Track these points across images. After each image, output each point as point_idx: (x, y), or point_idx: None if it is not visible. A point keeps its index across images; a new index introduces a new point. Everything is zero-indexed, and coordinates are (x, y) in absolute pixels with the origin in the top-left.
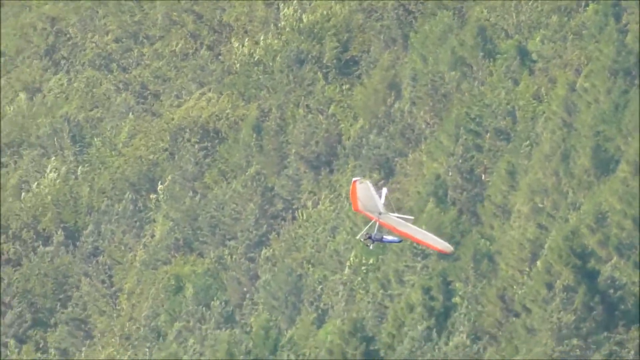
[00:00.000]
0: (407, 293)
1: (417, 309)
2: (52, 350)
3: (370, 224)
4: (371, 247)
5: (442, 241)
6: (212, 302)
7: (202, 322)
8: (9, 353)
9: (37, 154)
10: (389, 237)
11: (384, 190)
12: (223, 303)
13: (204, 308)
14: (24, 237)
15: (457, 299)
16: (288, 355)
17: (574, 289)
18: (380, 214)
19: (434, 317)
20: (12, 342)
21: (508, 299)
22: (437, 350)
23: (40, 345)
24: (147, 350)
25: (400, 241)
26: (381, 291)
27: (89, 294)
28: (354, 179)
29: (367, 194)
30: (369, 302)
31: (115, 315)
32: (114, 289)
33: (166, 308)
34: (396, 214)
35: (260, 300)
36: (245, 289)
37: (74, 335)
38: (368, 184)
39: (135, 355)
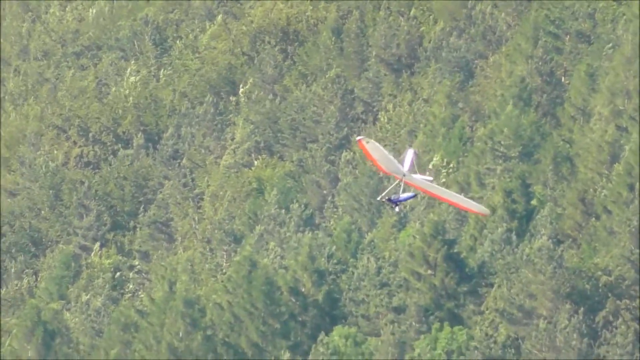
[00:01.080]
0: (488, 196)
1: (498, 212)
2: (134, 253)
3: (394, 184)
4: (397, 210)
5: (477, 204)
6: (292, 205)
7: (282, 226)
8: (91, 256)
9: (116, 56)
10: (404, 195)
11: (411, 152)
12: (303, 206)
13: (284, 211)
14: (103, 140)
15: (536, 202)
16: (368, 259)
17: None
18: (404, 175)
19: (515, 219)
20: (96, 245)
21: (588, 201)
22: (518, 253)
23: (121, 249)
24: (225, 253)
25: (415, 195)
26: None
27: (170, 197)
28: (357, 137)
29: (381, 154)
30: (449, 205)
31: (196, 218)
32: (195, 192)
33: (247, 211)
34: (420, 175)
35: (341, 204)
36: (325, 192)
37: (155, 239)
38: (375, 144)
39: (214, 257)
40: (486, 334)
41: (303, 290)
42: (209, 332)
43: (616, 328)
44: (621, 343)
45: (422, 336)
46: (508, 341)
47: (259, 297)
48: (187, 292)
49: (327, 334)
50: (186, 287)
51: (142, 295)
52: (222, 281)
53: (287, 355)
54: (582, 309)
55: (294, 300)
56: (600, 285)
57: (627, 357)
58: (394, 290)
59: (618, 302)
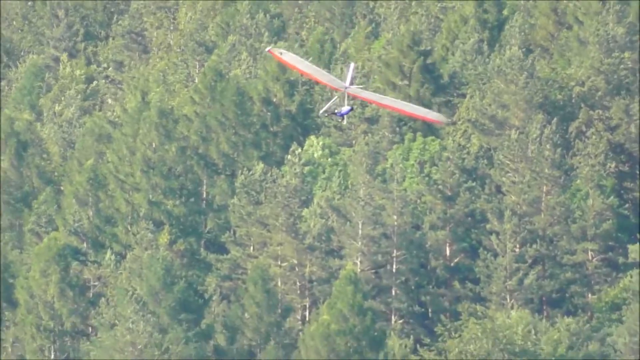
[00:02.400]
0: (461, 5)
1: (470, 22)
2: (106, 64)
3: (335, 97)
4: (344, 122)
5: (434, 112)
6: (258, 15)
7: (253, 36)
8: (61, 67)
9: None
10: (345, 109)
11: (352, 65)
12: (269, 16)
13: (256, 21)
14: None
15: (508, 12)
16: (342, 69)
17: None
18: (346, 87)
19: (486, 30)
20: (63, 56)
21: (560, 11)
22: (489, 63)
23: (93, 59)
24: (198, 63)
25: (352, 109)
26: (437, 4)
27: (145, 7)
28: (267, 49)
29: (309, 68)
30: (422, 15)
31: (171, 28)
32: (170, 2)
33: (219, 21)
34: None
35: (312, 14)
36: (300, 2)
37: (129, 49)
38: (291, 54)
39: (186, 68)
40: (459, 145)
41: (275, 100)
42: (182, 144)
43: (588, 138)
44: (593, 153)
45: (395, 146)
46: (480, 152)
47: (230, 107)
48: (161, 103)
49: (299, 145)
50: (160, 98)
51: (115, 106)
52: (191, 92)
53: (260, 165)
54: (554, 119)
55: (265, 110)
56: (573, 95)
57: (599, 168)
58: None
59: (591, 112)
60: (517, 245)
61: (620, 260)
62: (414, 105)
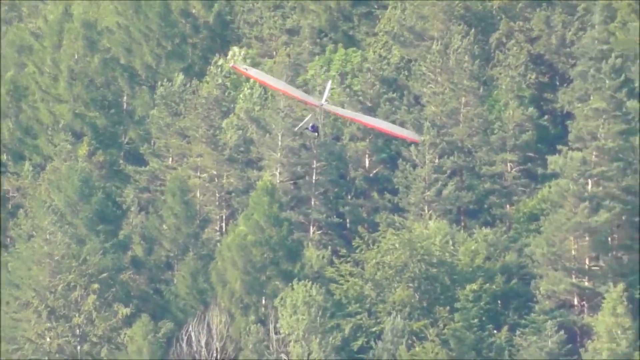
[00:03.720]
0: None
1: None
2: None
3: (310, 115)
4: (322, 138)
5: (407, 130)
6: None
7: None
8: None
9: None
10: (312, 125)
11: (329, 82)
12: None
13: None
14: None
15: None
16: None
17: None
18: (322, 104)
19: None
20: None
21: None
22: None
23: None
24: None
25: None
26: None
27: None
28: (231, 65)
29: (273, 80)
30: None
31: None
32: None
33: None
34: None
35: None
36: None
37: None
38: (255, 70)
39: None
40: (379, 56)
41: (194, 12)
42: (106, 55)
43: (509, 50)
44: (513, 64)
45: (316, 57)
46: (401, 63)
47: (154, 19)
48: (84, 14)
49: (220, 56)
50: (84, 9)
51: (37, 18)
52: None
53: (180, 76)
54: (474, 30)
55: (184, 21)
56: (494, 7)
57: (519, 79)
58: (288, 12)
59: (512, 23)
60: (436, 156)
61: (539, 171)
62: (388, 123)
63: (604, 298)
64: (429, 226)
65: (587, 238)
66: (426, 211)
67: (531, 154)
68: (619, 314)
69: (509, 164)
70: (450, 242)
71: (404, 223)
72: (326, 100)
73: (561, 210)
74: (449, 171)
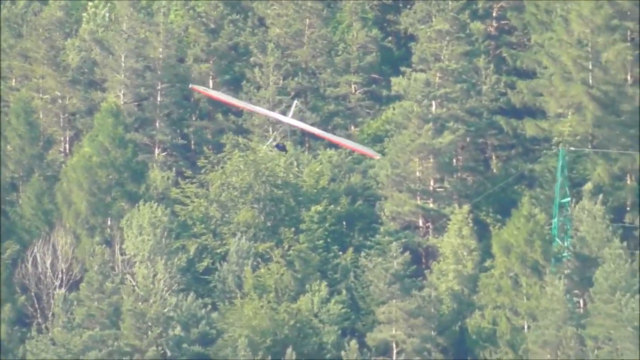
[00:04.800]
0: None
1: None
2: None
3: (276, 132)
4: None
5: (366, 147)
6: None
7: None
8: None
9: None
10: (277, 143)
11: (295, 101)
12: None
13: None
14: None
15: None
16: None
17: None
18: (288, 121)
19: None
20: None
21: None
22: None
23: None
24: None
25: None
26: None
27: None
28: (191, 86)
29: (236, 100)
30: None
31: None
32: None
33: None
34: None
35: None
36: None
37: None
38: (215, 91)
39: None
40: None
41: None
42: None
43: None
44: None
45: None
46: None
47: None
48: None
49: None
50: None
51: None
52: None
53: None
54: None
55: None
56: None
57: (363, 1)
58: None
59: None
60: (280, 78)
61: (384, 92)
62: (351, 141)
63: (449, 220)
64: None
65: (431, 160)
66: (271, 133)
67: (375, 76)
68: (464, 235)
69: (353, 86)
70: (295, 164)
71: (248, 144)
72: (292, 117)
73: (405, 131)
74: (293, 92)
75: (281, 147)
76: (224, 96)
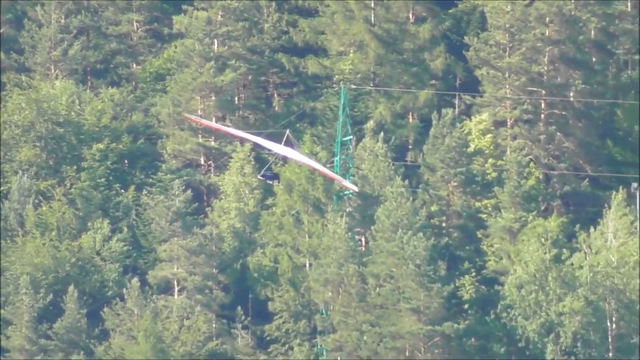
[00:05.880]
0: None
1: None
2: None
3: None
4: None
5: (346, 180)
6: None
7: None
8: None
9: None
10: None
11: (287, 132)
12: None
13: None
14: None
15: None
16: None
17: None
18: (280, 150)
19: None
20: None
21: None
22: None
23: None
24: None
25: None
26: None
27: None
28: (184, 114)
29: (230, 129)
30: None
31: None
32: None
33: None
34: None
35: None
36: None
37: None
38: (206, 120)
39: None
40: None
41: None
42: None
43: None
44: None
45: None
46: None
47: None
48: None
49: None
50: None
51: None
52: None
53: None
54: None
55: None
56: None
57: None
58: None
59: None
60: (62, 16)
61: (166, 31)
62: (332, 172)
63: (231, 157)
64: (56, 86)
65: (213, 98)
66: (52, 71)
67: (157, 14)
68: (246, 173)
69: (135, 24)
70: (77, 102)
71: (30, 83)
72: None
73: (187, 70)
74: (75, 31)
75: (270, 177)
76: (218, 125)
